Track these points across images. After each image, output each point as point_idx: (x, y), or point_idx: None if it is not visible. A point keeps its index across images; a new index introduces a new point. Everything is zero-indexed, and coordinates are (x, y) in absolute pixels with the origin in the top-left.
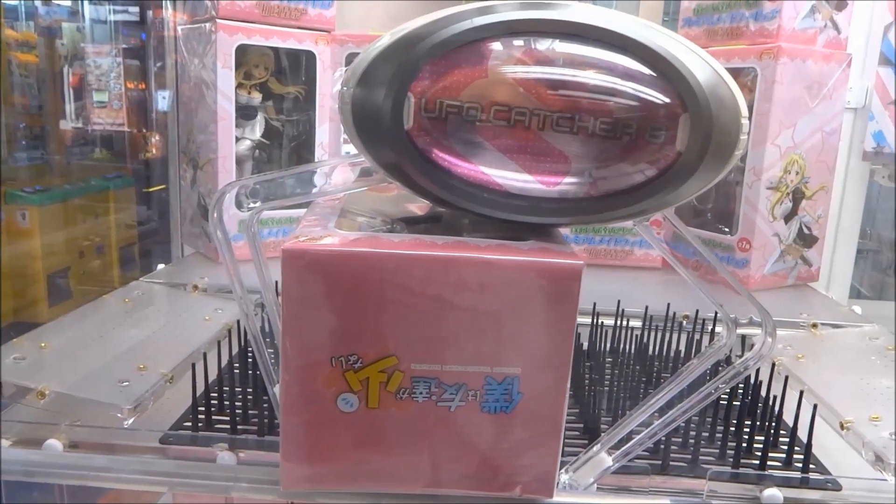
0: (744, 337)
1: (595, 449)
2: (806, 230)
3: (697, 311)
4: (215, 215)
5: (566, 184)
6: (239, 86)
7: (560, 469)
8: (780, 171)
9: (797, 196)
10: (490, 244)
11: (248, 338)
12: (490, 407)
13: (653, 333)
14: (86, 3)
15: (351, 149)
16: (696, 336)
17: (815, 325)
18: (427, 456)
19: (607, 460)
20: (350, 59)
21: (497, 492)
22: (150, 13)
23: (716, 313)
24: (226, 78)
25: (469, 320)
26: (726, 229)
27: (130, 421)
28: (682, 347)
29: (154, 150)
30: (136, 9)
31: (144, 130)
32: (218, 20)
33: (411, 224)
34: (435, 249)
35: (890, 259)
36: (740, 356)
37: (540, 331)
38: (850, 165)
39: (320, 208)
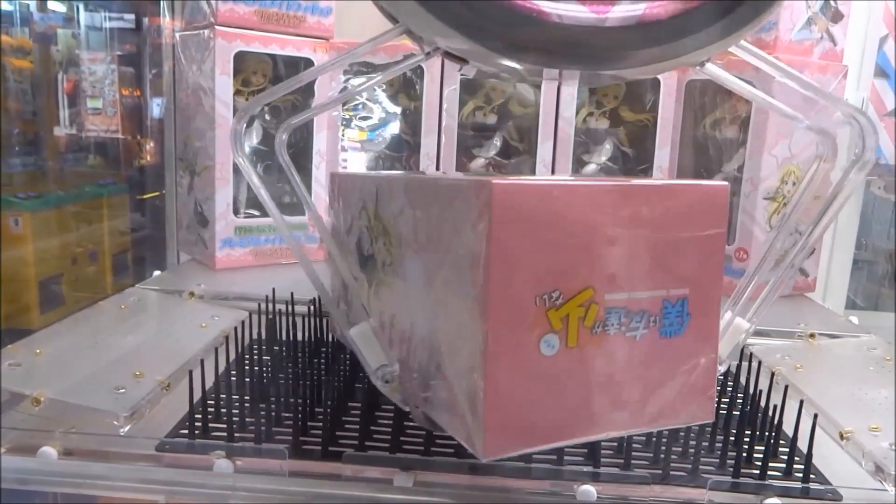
0: (742, 347)
1: (727, 317)
2: None
3: None
4: (238, 143)
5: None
6: (237, 92)
7: None
8: (777, 181)
9: None
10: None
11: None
12: (667, 331)
13: None
14: (81, 9)
15: (347, 157)
16: None
17: (812, 336)
18: (619, 392)
19: (744, 324)
20: (348, 67)
21: (667, 422)
22: (145, 20)
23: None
24: (224, 84)
25: (649, 245)
26: None
27: (126, 428)
28: None
29: (148, 157)
30: (131, 16)
31: (139, 137)
32: (216, 27)
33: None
34: (620, 180)
35: (886, 270)
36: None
37: (699, 250)
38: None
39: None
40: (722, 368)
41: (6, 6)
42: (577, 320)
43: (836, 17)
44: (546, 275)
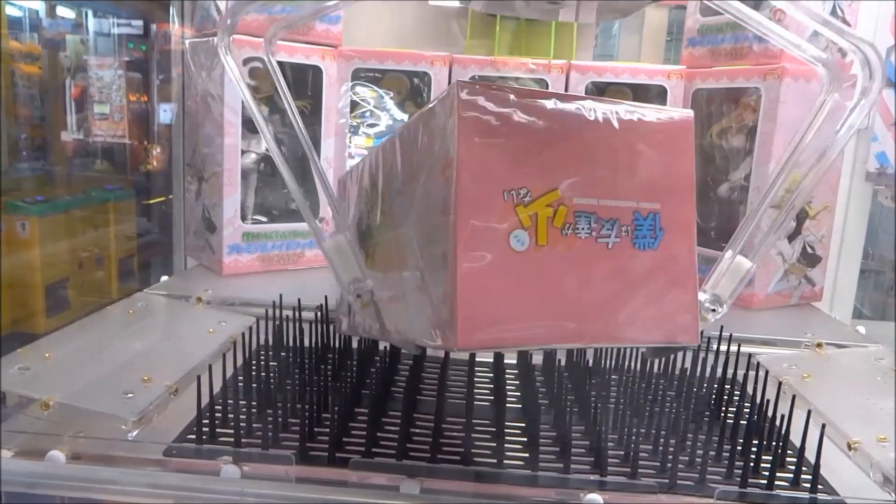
0: (749, 357)
1: (727, 257)
2: (809, 250)
3: (702, 330)
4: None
5: None
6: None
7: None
8: (784, 190)
9: (801, 216)
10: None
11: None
12: (640, 243)
13: None
14: (90, 15)
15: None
16: (702, 354)
17: (819, 345)
18: (593, 300)
19: (746, 262)
20: (356, 74)
21: (646, 339)
22: (153, 27)
23: (720, 331)
24: (233, 91)
25: (617, 158)
26: None
27: (134, 433)
28: (688, 365)
29: (155, 163)
30: (139, 22)
31: (146, 143)
32: None
33: None
34: (585, 100)
35: (892, 280)
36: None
37: (669, 169)
38: (853, 186)
39: None
40: (723, 310)
41: (15, 12)
42: (546, 220)
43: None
44: (513, 172)
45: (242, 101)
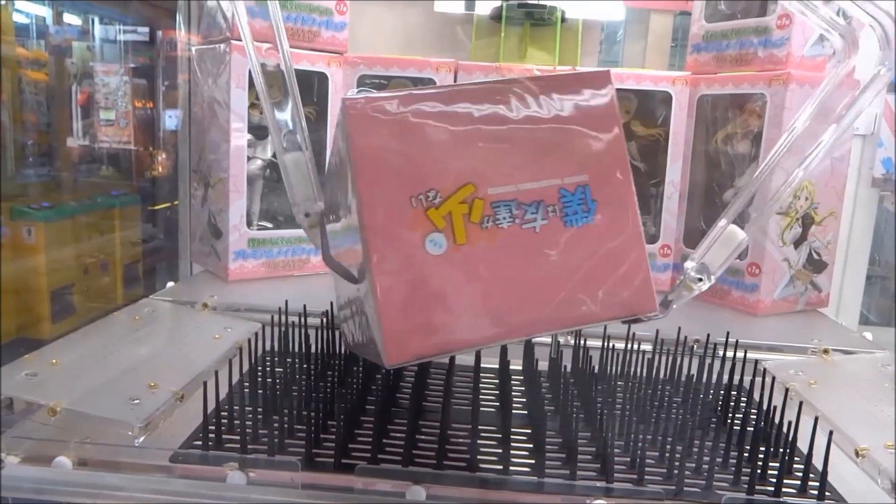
0: (756, 363)
1: (720, 225)
2: (815, 255)
3: (708, 336)
4: None
5: None
6: (251, 106)
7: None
8: (790, 196)
9: (807, 221)
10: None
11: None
12: (571, 220)
13: (664, 357)
14: (96, 22)
15: None
16: (708, 360)
17: (826, 351)
18: (529, 289)
19: (739, 233)
20: (361, 80)
21: (603, 315)
22: (159, 33)
23: (727, 337)
24: (239, 98)
25: (531, 136)
26: None
27: (141, 439)
28: (694, 371)
29: (160, 169)
30: (145, 29)
31: (151, 149)
32: (233, 41)
33: None
34: (477, 83)
35: None
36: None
37: (590, 136)
38: (858, 191)
39: None
40: (710, 281)
41: (23, 19)
42: (462, 217)
43: None
44: (417, 176)
45: (248, 109)
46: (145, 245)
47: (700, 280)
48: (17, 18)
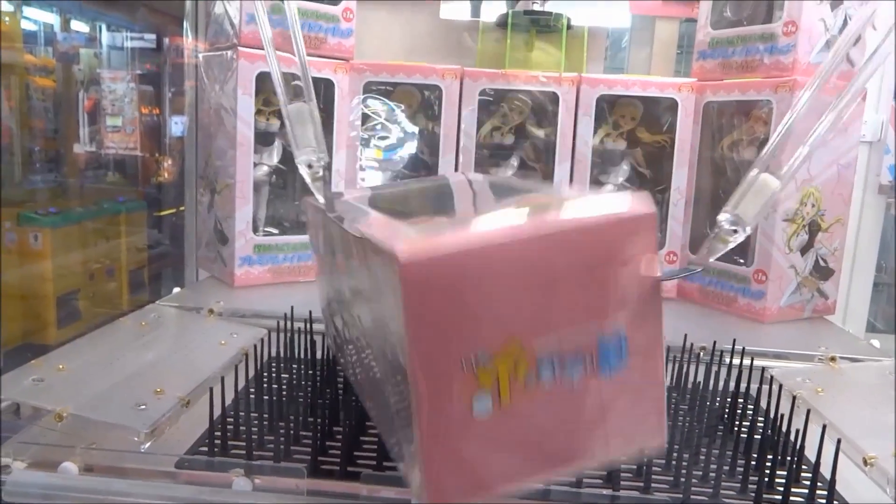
0: (762, 370)
1: (752, 174)
2: (822, 262)
3: (714, 343)
4: None
5: None
6: (258, 112)
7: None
8: (796, 203)
9: (813, 228)
10: (557, 208)
11: None
12: (606, 369)
13: (670, 365)
14: (103, 29)
15: (365, 176)
16: (714, 368)
17: (833, 359)
18: (562, 438)
19: (773, 180)
20: (367, 87)
21: (618, 454)
22: (166, 40)
23: (733, 345)
24: (246, 104)
25: (573, 286)
26: (741, 260)
27: (147, 445)
28: (700, 378)
29: (166, 175)
30: (152, 36)
31: (157, 155)
32: (240, 48)
33: None
34: (530, 230)
35: None
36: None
37: (631, 284)
38: (865, 198)
39: (367, 218)
40: (745, 232)
41: (31, 26)
42: (508, 375)
43: (855, 38)
44: (469, 337)
45: (255, 115)
46: (151, 251)
47: (735, 231)
48: (25, 25)
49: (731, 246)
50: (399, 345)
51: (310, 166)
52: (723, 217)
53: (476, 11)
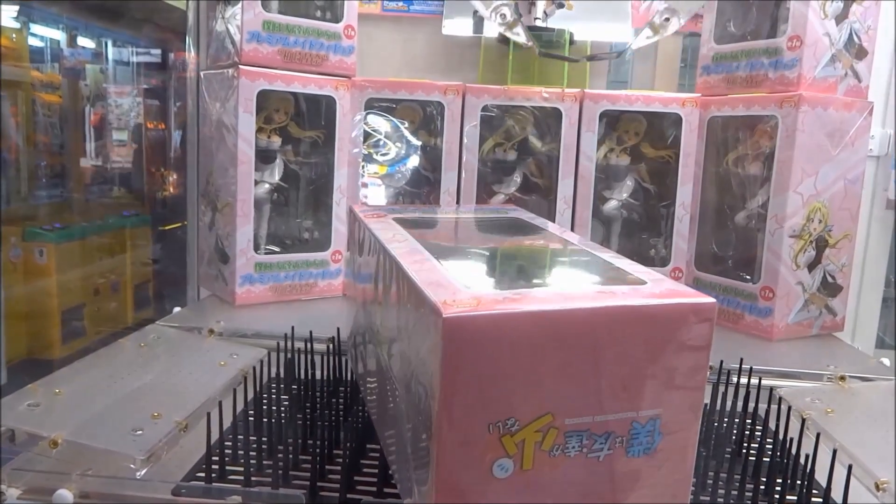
0: (771, 390)
1: None
2: (830, 279)
3: (721, 363)
4: None
5: None
6: (259, 130)
7: None
8: (803, 219)
9: (820, 244)
10: (619, 287)
11: None
12: (635, 451)
13: None
14: (109, 45)
15: (368, 192)
16: (722, 388)
17: (842, 378)
18: None
19: None
20: (369, 104)
21: None
22: (171, 55)
23: (740, 364)
24: (246, 122)
25: (619, 368)
26: (748, 277)
27: (143, 472)
28: (708, 400)
29: (172, 189)
30: (157, 51)
31: (163, 169)
32: (241, 66)
33: None
34: (583, 301)
35: None
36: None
37: (678, 370)
38: (873, 213)
39: (393, 242)
40: (675, 25)
41: (37, 42)
42: (534, 444)
43: (861, 53)
44: (501, 402)
45: (256, 133)
46: (156, 266)
47: (668, 20)
48: (32, 42)
49: (663, 36)
50: (429, 394)
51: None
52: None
53: (479, 28)
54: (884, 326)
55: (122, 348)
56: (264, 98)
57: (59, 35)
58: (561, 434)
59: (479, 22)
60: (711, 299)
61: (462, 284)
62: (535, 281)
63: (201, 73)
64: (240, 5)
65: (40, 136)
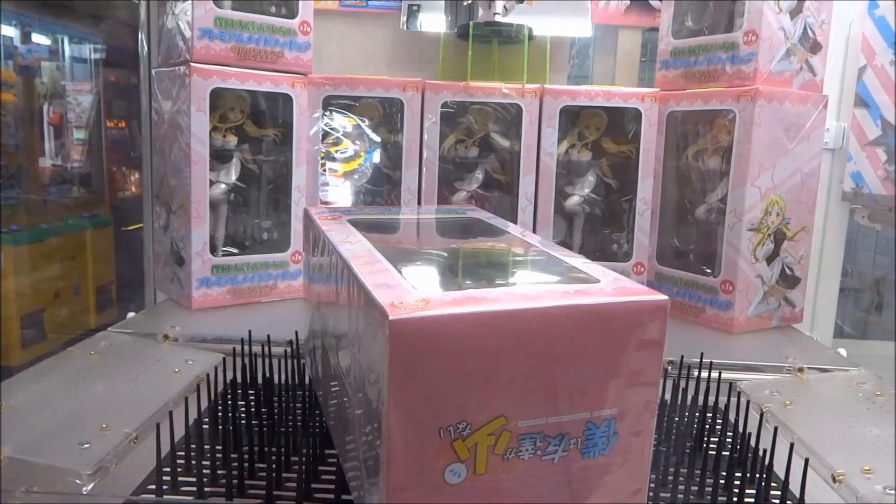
0: (731, 384)
1: None
2: (788, 271)
3: (682, 357)
4: None
5: None
6: (214, 129)
7: None
8: (761, 212)
9: (778, 237)
10: (572, 286)
11: None
12: (590, 452)
13: None
14: (66, 42)
15: (328, 191)
16: (682, 384)
17: (801, 370)
18: None
19: None
20: (327, 101)
21: None
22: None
23: (701, 358)
24: (200, 121)
25: (572, 368)
26: (709, 270)
27: (90, 487)
28: (668, 395)
29: (134, 189)
30: (116, 47)
31: (124, 168)
32: (192, 64)
33: None
34: (535, 301)
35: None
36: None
37: (633, 369)
38: (829, 206)
39: (345, 245)
40: None
41: None
42: (487, 448)
43: (815, 47)
44: (451, 406)
45: (211, 132)
46: (118, 268)
47: None
48: None
49: None
50: (379, 398)
51: None
52: None
53: (440, 23)
54: (842, 315)
55: (72, 356)
56: (218, 96)
57: (12, 32)
58: (514, 437)
59: (438, 17)
60: (664, 297)
61: (411, 286)
62: (488, 282)
63: (153, 71)
64: (190, 2)
65: None
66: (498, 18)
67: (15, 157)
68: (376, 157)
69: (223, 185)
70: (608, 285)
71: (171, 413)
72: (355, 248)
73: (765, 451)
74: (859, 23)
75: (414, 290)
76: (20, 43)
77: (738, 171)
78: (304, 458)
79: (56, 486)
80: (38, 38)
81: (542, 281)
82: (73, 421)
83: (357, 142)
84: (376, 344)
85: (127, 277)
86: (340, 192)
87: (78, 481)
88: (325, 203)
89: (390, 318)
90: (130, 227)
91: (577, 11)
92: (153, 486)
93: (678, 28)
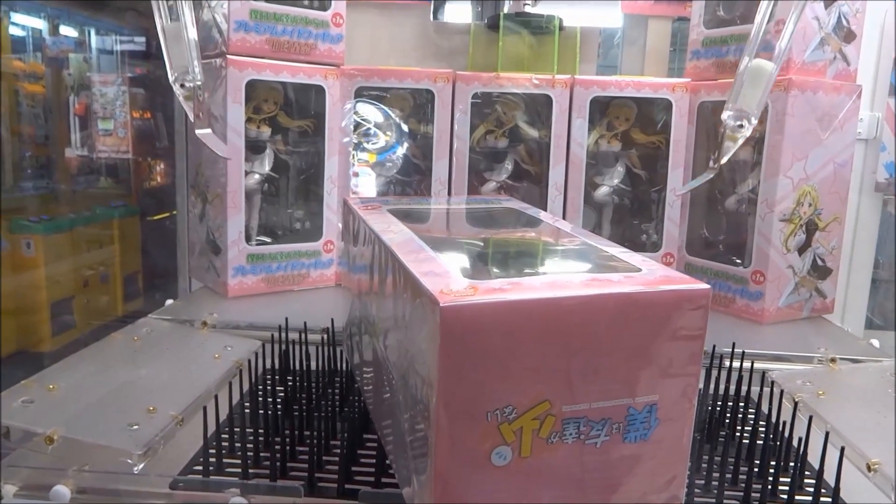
0: (763, 373)
1: (744, 63)
2: (820, 262)
3: (714, 347)
4: None
5: None
6: (248, 120)
7: None
8: (793, 202)
9: (810, 228)
10: (615, 275)
11: None
12: (632, 437)
13: None
14: (92, 33)
15: (359, 182)
16: (714, 372)
17: (833, 360)
18: (575, 495)
19: (767, 65)
20: (359, 92)
21: None
22: (156, 43)
23: (732, 348)
24: (235, 113)
25: (615, 354)
26: (738, 261)
27: (140, 466)
28: (701, 385)
29: (160, 179)
30: (142, 39)
31: (150, 159)
32: (228, 56)
33: None
34: (580, 288)
35: None
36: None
37: (674, 356)
38: (862, 196)
39: (391, 234)
40: (752, 123)
41: (19, 32)
42: (532, 432)
43: (849, 36)
44: (498, 391)
45: (245, 123)
46: (145, 257)
47: (741, 126)
48: (13, 31)
49: (741, 142)
50: (427, 383)
51: (182, 86)
52: (726, 115)
53: (467, 14)
54: (873, 307)
55: (115, 342)
56: (253, 88)
57: (41, 24)
58: (558, 421)
59: (467, 7)
60: (706, 286)
61: (458, 274)
62: (530, 270)
63: None
64: None
65: (24, 127)
66: (528, 9)
67: (44, 148)
68: (406, 147)
69: (257, 176)
70: (650, 274)
71: (216, 396)
72: (398, 237)
73: (799, 439)
74: (894, 12)
75: (461, 278)
76: (48, 35)
77: (771, 162)
78: (343, 442)
79: (107, 465)
80: (66, 30)
81: (586, 269)
82: (121, 403)
83: (388, 132)
84: (425, 330)
85: (153, 266)
86: (370, 183)
87: (129, 461)
88: (355, 193)
89: (441, 304)
90: (156, 217)
91: (607, 1)
92: (199, 467)
93: (709, 17)
